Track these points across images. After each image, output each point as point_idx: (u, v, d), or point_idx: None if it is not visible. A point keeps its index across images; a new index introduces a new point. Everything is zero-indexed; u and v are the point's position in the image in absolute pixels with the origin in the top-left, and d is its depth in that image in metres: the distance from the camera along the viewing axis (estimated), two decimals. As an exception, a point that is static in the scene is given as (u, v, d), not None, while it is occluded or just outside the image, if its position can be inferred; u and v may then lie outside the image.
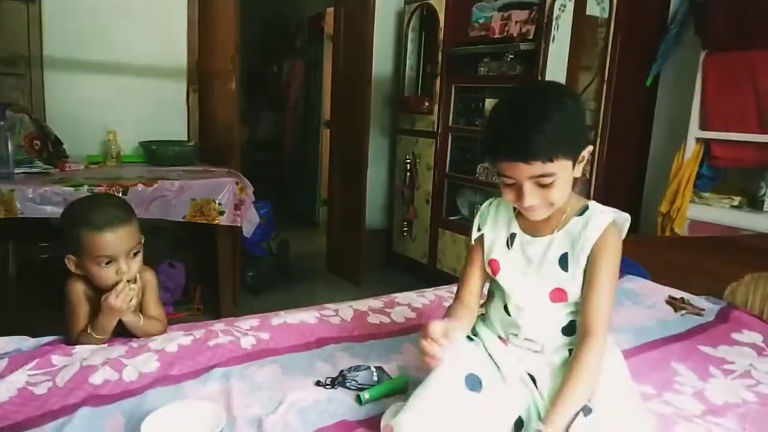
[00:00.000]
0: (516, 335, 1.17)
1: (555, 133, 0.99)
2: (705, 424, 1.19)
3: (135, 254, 1.35)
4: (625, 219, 1.14)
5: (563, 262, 1.12)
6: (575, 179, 1.09)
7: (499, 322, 1.21)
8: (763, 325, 1.70)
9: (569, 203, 1.13)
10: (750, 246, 1.92)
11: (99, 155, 2.89)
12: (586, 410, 1.00)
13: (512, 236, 1.18)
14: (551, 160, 1.00)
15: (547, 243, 1.14)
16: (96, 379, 1.19)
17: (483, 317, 1.26)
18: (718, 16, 2.38)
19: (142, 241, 1.39)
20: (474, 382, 1.09)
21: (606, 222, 1.10)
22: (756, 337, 1.64)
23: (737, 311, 1.78)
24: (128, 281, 1.32)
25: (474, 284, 1.23)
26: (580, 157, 1.07)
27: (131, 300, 1.33)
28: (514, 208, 1.19)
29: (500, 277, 1.18)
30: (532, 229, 1.16)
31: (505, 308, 1.19)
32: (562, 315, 1.15)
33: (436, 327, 1.01)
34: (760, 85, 2.24)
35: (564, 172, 1.03)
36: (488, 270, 1.21)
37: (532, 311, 1.15)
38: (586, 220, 1.11)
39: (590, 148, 1.09)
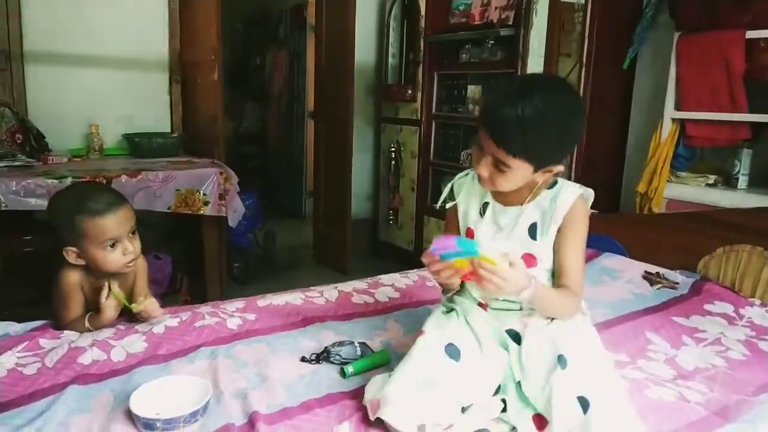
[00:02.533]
0: (495, 298, 1.21)
1: (533, 138, 1.03)
2: (675, 387, 1.24)
3: (133, 233, 1.39)
4: (590, 194, 1.19)
5: (532, 230, 1.18)
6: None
7: (475, 288, 1.24)
8: (734, 295, 1.76)
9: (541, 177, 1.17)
10: (721, 220, 1.98)
11: (82, 148, 2.88)
12: (563, 362, 1.05)
13: (485, 205, 1.24)
14: (515, 156, 1.05)
15: (517, 212, 1.19)
16: (84, 359, 1.22)
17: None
18: (691, -2, 2.43)
19: None
20: (453, 352, 1.13)
21: (575, 195, 1.16)
22: (727, 308, 1.70)
23: (710, 283, 1.84)
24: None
25: None
26: (548, 169, 1.11)
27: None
28: None
29: None
30: (504, 199, 1.22)
31: None
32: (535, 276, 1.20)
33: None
34: (731, 65, 2.30)
35: (521, 171, 1.09)
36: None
37: None
38: (555, 193, 1.17)
39: (560, 168, 1.13)
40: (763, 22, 2.27)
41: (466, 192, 1.27)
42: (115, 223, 1.32)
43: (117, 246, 1.34)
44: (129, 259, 1.36)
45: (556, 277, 1.18)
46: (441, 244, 1.03)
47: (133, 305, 1.37)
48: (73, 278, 1.37)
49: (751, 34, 2.28)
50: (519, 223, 1.19)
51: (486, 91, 3.07)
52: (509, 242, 1.19)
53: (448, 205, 1.29)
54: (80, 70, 2.94)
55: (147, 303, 1.39)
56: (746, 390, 1.24)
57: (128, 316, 1.44)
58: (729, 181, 2.50)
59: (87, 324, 1.35)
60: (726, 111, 2.37)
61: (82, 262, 1.35)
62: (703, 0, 2.38)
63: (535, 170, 1.10)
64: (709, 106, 2.43)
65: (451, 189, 1.30)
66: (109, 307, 1.34)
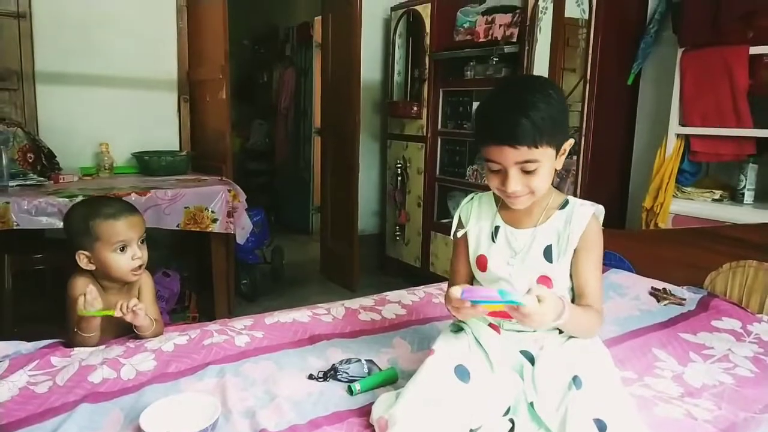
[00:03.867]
0: (509, 320, 1.20)
1: (540, 120, 1.05)
2: (683, 405, 1.24)
3: (142, 242, 1.45)
4: (601, 211, 1.21)
5: (548, 253, 1.17)
6: (555, 171, 1.15)
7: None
8: (741, 311, 1.76)
9: (550, 197, 1.20)
10: (728, 236, 1.98)
11: (92, 167, 2.93)
12: (578, 383, 1.05)
13: (496, 229, 1.23)
14: (536, 146, 1.06)
15: (531, 235, 1.19)
16: (95, 377, 1.23)
17: None
18: (693, 14, 2.44)
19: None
20: (463, 373, 1.12)
21: (589, 215, 1.17)
22: (735, 324, 1.69)
23: (717, 299, 1.83)
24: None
25: (464, 275, 1.29)
26: (562, 149, 1.13)
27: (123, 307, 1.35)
28: (497, 202, 1.24)
29: (488, 272, 1.22)
30: (516, 221, 1.21)
31: None
32: None
33: (455, 291, 1.04)
34: (734, 80, 2.31)
35: (547, 160, 1.09)
36: (475, 267, 1.25)
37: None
38: (568, 214, 1.18)
39: (571, 141, 1.15)
40: (767, 38, 2.28)
41: (475, 217, 1.26)
42: (126, 226, 1.40)
43: (127, 250, 1.41)
44: (137, 264, 1.42)
45: (577, 297, 1.18)
46: (477, 294, 1.01)
47: (112, 310, 1.34)
48: (80, 284, 1.41)
49: (754, 50, 2.29)
50: (533, 246, 1.18)
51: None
52: (524, 266, 1.18)
53: (459, 233, 1.28)
54: (90, 90, 2.99)
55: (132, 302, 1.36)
56: (754, 407, 1.23)
57: (135, 336, 1.45)
58: (735, 197, 2.50)
59: (75, 328, 1.37)
60: (730, 126, 2.37)
61: (92, 266, 1.41)
62: (706, 16, 2.40)
63: (557, 152, 1.11)
64: (713, 122, 2.43)
65: (459, 216, 1.29)
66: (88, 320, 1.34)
